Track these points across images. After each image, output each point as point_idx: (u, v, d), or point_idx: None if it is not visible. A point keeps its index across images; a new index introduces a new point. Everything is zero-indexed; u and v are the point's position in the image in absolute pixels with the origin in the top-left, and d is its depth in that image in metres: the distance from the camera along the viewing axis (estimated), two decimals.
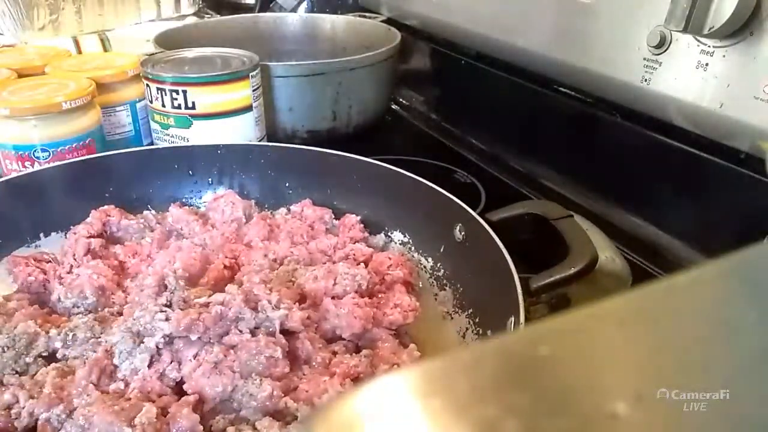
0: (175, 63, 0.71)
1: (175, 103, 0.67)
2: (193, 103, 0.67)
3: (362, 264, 0.56)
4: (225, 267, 0.55)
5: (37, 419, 0.40)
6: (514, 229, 0.52)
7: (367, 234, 0.63)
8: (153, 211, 0.66)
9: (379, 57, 0.87)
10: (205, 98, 0.67)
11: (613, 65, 0.66)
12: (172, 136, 0.69)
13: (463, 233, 0.55)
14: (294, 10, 1.20)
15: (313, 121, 0.85)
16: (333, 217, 0.65)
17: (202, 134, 0.68)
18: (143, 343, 0.44)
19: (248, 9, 1.38)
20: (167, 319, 0.44)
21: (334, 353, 0.47)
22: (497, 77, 0.87)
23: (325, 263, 0.57)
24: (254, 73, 0.70)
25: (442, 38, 0.98)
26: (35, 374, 0.44)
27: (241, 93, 0.69)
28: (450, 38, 0.96)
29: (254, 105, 0.71)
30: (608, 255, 0.55)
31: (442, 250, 0.58)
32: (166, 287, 0.48)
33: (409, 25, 1.05)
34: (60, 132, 0.65)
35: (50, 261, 0.57)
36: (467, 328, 0.52)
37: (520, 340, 0.17)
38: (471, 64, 0.93)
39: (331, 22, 1.07)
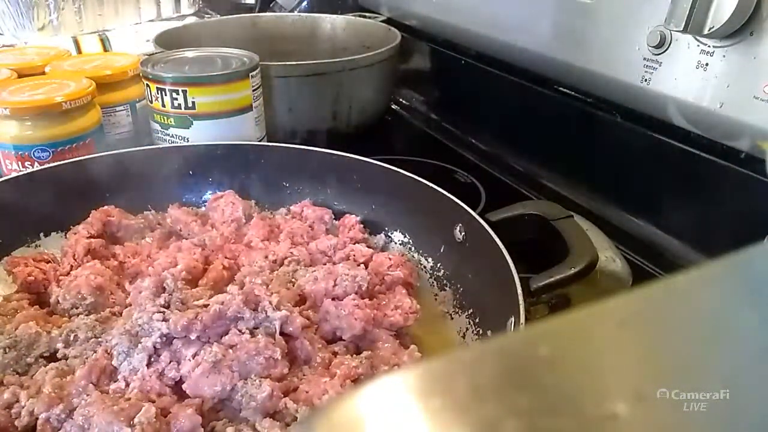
0: (175, 63, 0.71)
1: (175, 103, 0.67)
2: (193, 103, 0.67)
3: (362, 265, 0.56)
4: (224, 268, 0.55)
5: (37, 418, 0.40)
6: (514, 229, 0.52)
7: (367, 234, 0.63)
8: (153, 211, 0.66)
9: (379, 57, 0.87)
10: (205, 98, 0.67)
11: (613, 65, 0.66)
12: (172, 136, 0.69)
13: (463, 233, 0.55)
14: (294, 10, 1.20)
15: (313, 121, 0.85)
16: (333, 217, 0.65)
17: (202, 134, 0.68)
18: (141, 343, 0.44)
19: (248, 9, 1.38)
20: (165, 320, 0.44)
21: (335, 354, 0.47)
22: (497, 77, 0.87)
23: (325, 264, 0.57)
24: (254, 73, 0.70)
25: (442, 38, 0.99)
26: (35, 374, 0.44)
27: (241, 93, 0.69)
28: (450, 38, 0.96)
29: (254, 105, 0.71)
30: (608, 255, 0.55)
31: (442, 250, 0.58)
32: (164, 289, 0.48)
33: (409, 25, 1.05)
34: (60, 132, 0.65)
35: (50, 261, 0.57)
36: (467, 328, 0.52)
37: (520, 340, 0.17)
38: (471, 64, 0.93)
39: (331, 22, 1.07)
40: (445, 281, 0.57)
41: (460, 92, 0.99)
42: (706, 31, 0.52)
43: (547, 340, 0.16)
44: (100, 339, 0.46)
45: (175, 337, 0.44)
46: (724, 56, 0.55)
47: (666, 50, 0.60)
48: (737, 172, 0.58)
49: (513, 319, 0.42)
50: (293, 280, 0.54)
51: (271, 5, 1.26)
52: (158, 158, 0.67)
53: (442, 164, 0.86)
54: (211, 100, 0.67)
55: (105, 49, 1.23)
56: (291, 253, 0.58)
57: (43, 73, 0.76)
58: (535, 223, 0.53)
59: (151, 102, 0.69)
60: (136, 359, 0.43)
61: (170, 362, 0.43)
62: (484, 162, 0.88)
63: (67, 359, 0.45)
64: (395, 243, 0.63)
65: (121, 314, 0.49)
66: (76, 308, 0.51)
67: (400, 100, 1.11)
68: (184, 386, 0.42)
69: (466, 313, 0.53)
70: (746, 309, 0.17)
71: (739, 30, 0.52)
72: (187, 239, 0.60)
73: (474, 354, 0.17)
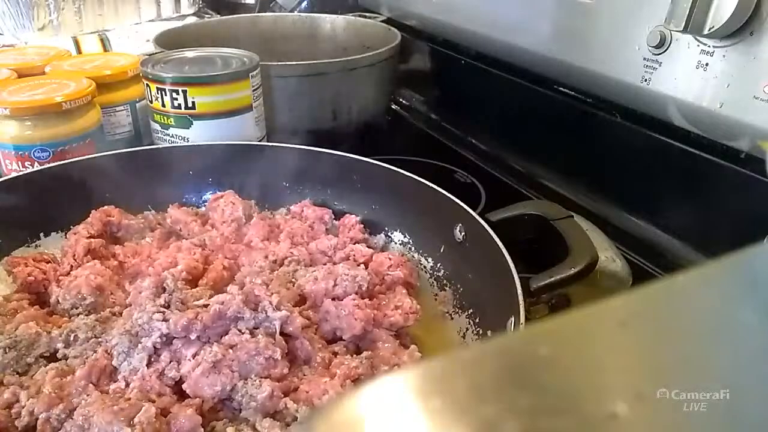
0: (175, 63, 0.71)
1: (175, 103, 0.67)
2: (193, 103, 0.67)
3: (362, 265, 0.56)
4: (224, 268, 0.55)
5: (37, 418, 0.40)
6: (514, 229, 0.52)
7: (367, 234, 0.63)
8: (153, 211, 0.66)
9: (379, 57, 0.87)
10: (205, 98, 0.67)
11: (613, 65, 0.66)
12: (172, 136, 0.69)
13: (463, 233, 0.55)
14: (294, 10, 1.20)
15: (313, 121, 0.85)
16: (333, 217, 0.65)
17: (202, 134, 0.68)
18: (141, 343, 0.44)
19: (248, 9, 1.38)
20: (165, 320, 0.44)
21: (335, 354, 0.47)
22: (497, 77, 0.87)
23: (325, 264, 0.57)
24: (254, 73, 0.70)
25: (442, 38, 0.99)
26: (35, 374, 0.44)
27: (241, 93, 0.69)
28: (450, 38, 0.96)
29: (254, 105, 0.71)
30: (608, 255, 0.55)
31: (442, 250, 0.58)
32: (164, 289, 0.48)
33: (409, 25, 1.05)
34: (60, 132, 0.65)
35: (50, 261, 0.57)
36: (467, 328, 0.52)
37: (520, 340, 0.17)
38: (471, 64, 0.93)
39: (331, 22, 1.07)
40: (445, 281, 0.57)
41: (460, 92, 0.99)
42: (706, 31, 0.52)
43: (547, 340, 0.16)
44: (100, 339, 0.46)
45: (175, 337, 0.44)
46: (724, 56, 0.55)
47: (666, 50, 0.60)
48: (737, 172, 0.58)
49: (513, 319, 0.42)
50: (293, 280, 0.54)
51: (271, 5, 1.26)
52: (158, 158, 0.67)
53: (442, 164, 0.86)
54: (211, 100, 0.67)
55: (105, 49, 1.23)
56: (291, 253, 0.58)
57: (43, 73, 0.75)
58: (535, 223, 0.53)
59: (151, 102, 0.69)
60: (136, 359, 0.43)
61: (170, 362, 0.43)
62: (484, 162, 0.88)
63: (67, 359, 0.45)
64: (395, 243, 0.63)
65: (121, 314, 0.49)
66: (76, 308, 0.51)
67: (400, 100, 1.11)
68: (184, 386, 0.42)
69: (466, 313, 0.53)
70: (746, 309, 0.17)
71: (739, 30, 0.52)
72: (187, 239, 0.60)
73: (474, 354, 0.17)
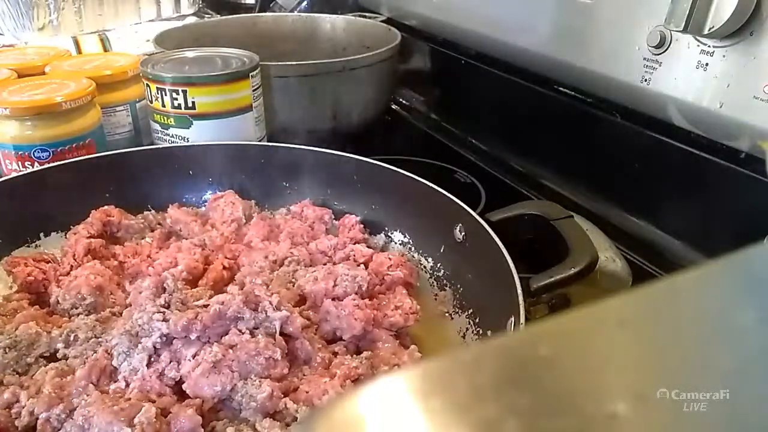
0: (175, 63, 0.71)
1: (175, 103, 0.67)
2: (193, 103, 0.67)
3: (362, 265, 0.56)
4: (224, 268, 0.55)
5: (37, 418, 0.40)
6: (514, 229, 0.52)
7: (367, 234, 0.63)
8: (153, 211, 0.66)
9: (379, 57, 0.86)
10: (205, 98, 0.67)
11: (613, 65, 0.66)
12: (172, 136, 0.69)
13: (463, 233, 0.55)
14: (294, 10, 1.20)
15: (313, 121, 0.85)
16: (333, 217, 0.65)
17: (202, 134, 0.68)
18: (141, 343, 0.44)
19: (248, 9, 1.38)
20: (165, 320, 0.44)
21: (335, 354, 0.47)
22: (497, 77, 0.87)
23: (325, 264, 0.57)
24: (254, 73, 0.70)
25: (442, 38, 0.98)
26: (35, 374, 0.44)
27: (241, 93, 0.69)
28: (450, 38, 0.96)
29: (254, 105, 0.71)
30: (608, 255, 0.55)
31: (442, 250, 0.58)
32: (164, 289, 0.48)
33: (409, 25, 1.05)
34: (60, 132, 0.65)
35: (50, 261, 0.57)
36: (467, 328, 0.52)
37: (520, 340, 0.17)
38: (471, 64, 0.93)
39: (331, 22, 1.07)
40: (445, 281, 0.57)
41: (460, 92, 0.99)
42: (706, 31, 0.52)
43: (547, 340, 0.16)
44: (100, 339, 0.46)
45: (175, 337, 0.44)
46: (724, 56, 0.55)
47: (666, 50, 0.60)
48: (737, 172, 0.58)
49: (513, 319, 0.42)
50: (293, 280, 0.54)
51: (271, 5, 1.26)
52: (158, 158, 0.67)
53: (442, 164, 0.86)
54: (211, 100, 0.67)
55: (105, 49, 1.23)
56: (291, 253, 0.58)
57: (43, 73, 0.75)
58: (535, 223, 0.53)
59: (151, 102, 0.69)
60: (136, 359, 0.43)
61: (170, 362, 0.43)
62: (484, 162, 0.88)
63: (67, 359, 0.45)
64: (395, 243, 0.63)
65: (121, 314, 0.49)
66: (76, 308, 0.51)
67: (400, 100, 1.11)
68: (184, 386, 0.42)
69: (466, 313, 0.53)
70: (746, 309, 0.17)
71: (739, 30, 0.52)
72: (187, 239, 0.60)
73: (474, 354, 0.17)
